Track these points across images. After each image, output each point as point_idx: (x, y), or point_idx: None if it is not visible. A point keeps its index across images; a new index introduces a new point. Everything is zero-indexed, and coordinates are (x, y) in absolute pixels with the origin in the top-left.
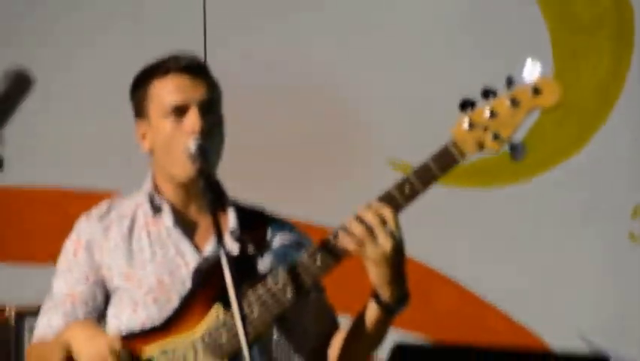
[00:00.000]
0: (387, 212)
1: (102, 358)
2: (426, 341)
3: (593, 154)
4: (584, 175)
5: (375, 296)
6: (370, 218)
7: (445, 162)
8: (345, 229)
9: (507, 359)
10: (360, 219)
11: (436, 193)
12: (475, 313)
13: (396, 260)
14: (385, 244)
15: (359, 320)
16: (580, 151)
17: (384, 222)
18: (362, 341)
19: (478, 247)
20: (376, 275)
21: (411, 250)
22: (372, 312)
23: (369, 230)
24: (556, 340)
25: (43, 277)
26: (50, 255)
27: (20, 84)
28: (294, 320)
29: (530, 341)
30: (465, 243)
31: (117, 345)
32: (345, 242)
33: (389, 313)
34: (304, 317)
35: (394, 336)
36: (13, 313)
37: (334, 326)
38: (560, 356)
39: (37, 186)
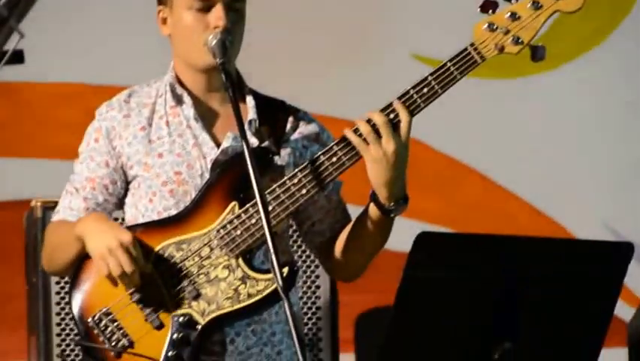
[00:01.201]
0: (402, 113)
1: (112, 252)
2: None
3: (616, 46)
4: (606, 67)
5: (374, 196)
6: (377, 118)
7: (464, 65)
8: (356, 128)
9: (531, 248)
10: (369, 119)
11: (460, 85)
12: (499, 204)
13: (397, 162)
14: (387, 145)
15: (359, 219)
16: (603, 42)
17: (391, 124)
18: (362, 239)
19: (503, 138)
20: (374, 175)
21: (435, 142)
22: (371, 212)
23: (375, 130)
24: (580, 229)
25: (67, 172)
26: (74, 149)
27: None
28: (305, 213)
29: (555, 230)
30: (489, 134)
31: (127, 239)
32: (352, 138)
33: (385, 213)
34: (315, 211)
35: (418, 228)
36: (39, 206)
37: (345, 222)
38: (584, 244)
39: (59, 82)
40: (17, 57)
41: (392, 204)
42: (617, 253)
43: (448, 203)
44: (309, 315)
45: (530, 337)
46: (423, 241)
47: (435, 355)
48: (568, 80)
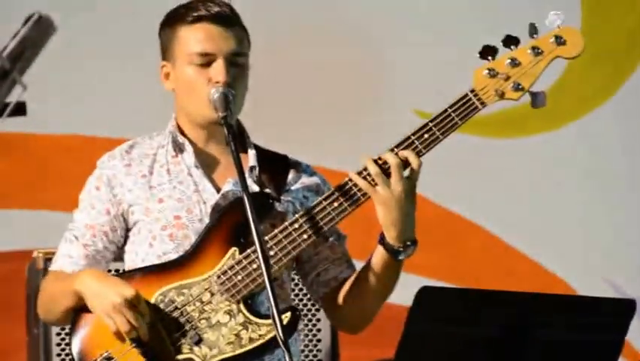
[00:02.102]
0: (410, 156)
1: (117, 309)
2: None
3: (621, 104)
4: (612, 125)
5: (382, 239)
6: (391, 159)
7: (464, 110)
8: (362, 170)
9: (534, 303)
10: (377, 161)
11: (463, 141)
12: (502, 260)
13: (406, 204)
14: (396, 185)
15: (366, 265)
16: (607, 101)
17: (402, 165)
18: (369, 285)
19: (505, 195)
20: (383, 216)
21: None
22: (379, 255)
23: (384, 171)
24: (582, 285)
25: (68, 224)
26: (75, 201)
27: (43, 29)
28: (310, 264)
29: (557, 286)
30: (492, 190)
31: (131, 294)
32: (359, 181)
33: (394, 255)
34: (320, 262)
35: (420, 283)
36: (41, 257)
37: (350, 273)
38: (586, 300)
39: (61, 133)
40: (20, 109)
41: (400, 245)
42: (619, 310)
43: (451, 258)
44: None
45: None
46: (424, 295)
47: None
48: (570, 139)
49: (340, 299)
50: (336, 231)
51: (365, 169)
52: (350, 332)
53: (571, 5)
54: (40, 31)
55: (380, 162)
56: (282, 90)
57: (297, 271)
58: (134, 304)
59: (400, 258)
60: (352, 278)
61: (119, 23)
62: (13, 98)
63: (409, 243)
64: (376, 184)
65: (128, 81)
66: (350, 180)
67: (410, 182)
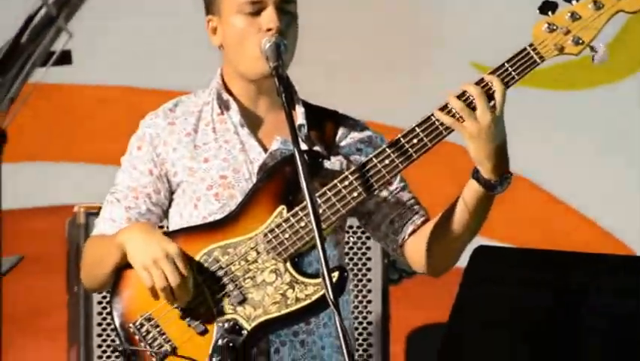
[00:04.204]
0: (496, 83)
1: (156, 263)
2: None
3: None
4: None
5: (476, 174)
6: (473, 90)
7: (522, 65)
8: (442, 107)
9: (592, 265)
10: (460, 94)
11: (523, 95)
12: (559, 219)
13: (496, 134)
14: (484, 116)
15: (456, 202)
16: None
17: (485, 95)
18: (460, 223)
19: (564, 151)
20: (475, 150)
21: None
22: (472, 190)
23: (468, 104)
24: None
25: (111, 177)
26: (117, 154)
27: None
28: (380, 213)
29: (616, 247)
30: (551, 147)
31: (172, 250)
32: (444, 118)
33: (490, 189)
34: (391, 209)
35: (475, 243)
36: (82, 212)
37: (426, 217)
38: None
39: (107, 85)
40: (65, 58)
41: (497, 178)
42: None
43: (507, 217)
44: (360, 330)
45: (590, 356)
46: (479, 255)
47: None
48: (632, 92)
49: (424, 243)
50: (397, 179)
51: (446, 106)
52: (436, 274)
53: None
54: None
55: (462, 98)
56: (334, 43)
57: (366, 225)
58: (175, 261)
59: (497, 191)
60: (436, 219)
61: None
62: (58, 46)
63: (505, 175)
64: (463, 119)
65: (175, 32)
66: (432, 116)
67: (496, 111)
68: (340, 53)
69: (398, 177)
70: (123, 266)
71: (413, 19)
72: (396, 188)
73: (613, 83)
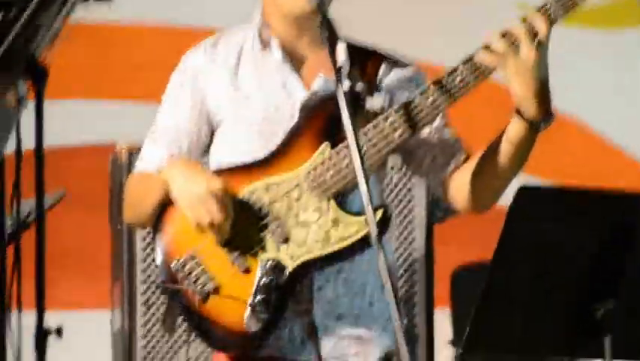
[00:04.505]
0: (539, 22)
1: (201, 200)
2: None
3: None
4: None
5: (519, 112)
6: (517, 29)
7: (566, 3)
8: (485, 46)
9: (635, 204)
10: (503, 34)
11: (565, 34)
12: (601, 158)
13: (541, 72)
14: (529, 53)
15: (499, 140)
16: None
17: (530, 33)
18: (505, 159)
19: (607, 90)
20: (519, 87)
21: None
22: (515, 129)
23: (513, 43)
24: None
25: (152, 115)
26: (160, 92)
27: None
28: (422, 150)
29: None
30: (593, 85)
31: (217, 186)
32: (486, 57)
33: (533, 128)
34: (432, 146)
35: (519, 181)
36: (124, 151)
37: (467, 153)
38: None
39: (146, 22)
40: None
41: (540, 117)
42: None
43: (550, 156)
44: (404, 268)
45: (636, 295)
46: (523, 195)
47: (534, 312)
48: None
49: (467, 180)
50: (439, 116)
51: (487, 46)
52: (478, 211)
53: None
54: None
55: (506, 36)
56: None
57: (409, 163)
58: (219, 198)
59: (541, 129)
60: (479, 156)
61: None
62: None
63: (547, 114)
64: (507, 58)
65: None
66: (476, 55)
67: (541, 49)
68: None
69: (440, 115)
70: (167, 203)
71: None
72: (439, 125)
73: None
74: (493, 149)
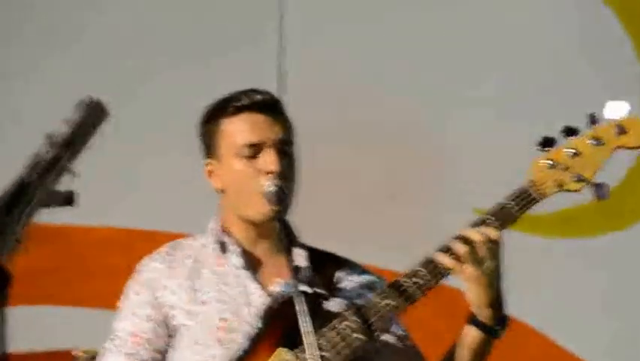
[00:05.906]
0: (492, 232)
1: None
2: None
3: None
4: None
5: (473, 320)
6: (474, 235)
7: (523, 202)
8: (445, 249)
9: None
10: (464, 238)
11: (526, 242)
12: None
13: (497, 280)
14: (488, 262)
15: (454, 349)
16: None
17: (487, 241)
18: None
19: (569, 300)
20: (476, 295)
21: None
22: (471, 336)
23: (472, 248)
24: None
25: (109, 321)
26: (117, 297)
27: (95, 114)
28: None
29: None
30: (555, 295)
31: None
32: (445, 261)
33: (490, 334)
34: (380, 358)
35: None
36: (82, 356)
37: None
38: None
39: (104, 226)
40: (67, 199)
41: (494, 323)
42: None
43: None
44: None
45: None
46: None
47: None
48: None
49: None
50: (399, 325)
51: (447, 249)
52: None
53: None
54: (92, 116)
55: (464, 239)
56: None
57: None
58: None
59: (497, 336)
60: None
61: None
62: (62, 186)
63: (501, 320)
64: (464, 263)
65: (174, 176)
66: (433, 258)
67: (497, 257)
68: (339, 194)
69: (400, 324)
70: None
71: (413, 159)
72: (398, 332)
73: (621, 230)
74: (449, 358)
